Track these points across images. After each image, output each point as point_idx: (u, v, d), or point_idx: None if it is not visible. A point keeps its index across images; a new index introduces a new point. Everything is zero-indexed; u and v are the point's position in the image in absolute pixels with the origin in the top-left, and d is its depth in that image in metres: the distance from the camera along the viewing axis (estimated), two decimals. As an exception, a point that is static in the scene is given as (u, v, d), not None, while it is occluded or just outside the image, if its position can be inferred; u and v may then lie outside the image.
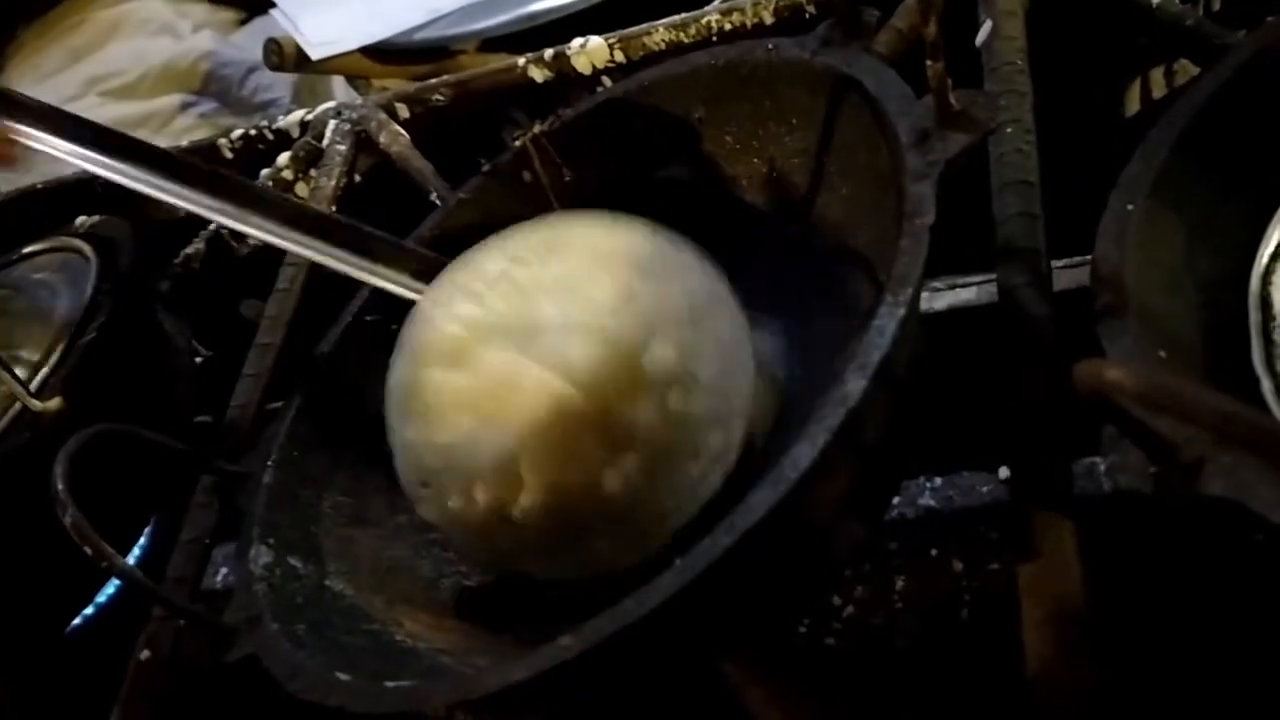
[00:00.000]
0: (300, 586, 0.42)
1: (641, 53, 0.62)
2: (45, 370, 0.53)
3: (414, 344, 0.43)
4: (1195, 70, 0.52)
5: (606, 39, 0.63)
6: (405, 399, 0.42)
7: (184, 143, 0.76)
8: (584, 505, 0.38)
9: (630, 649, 0.31)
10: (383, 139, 0.66)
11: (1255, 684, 0.40)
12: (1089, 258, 0.37)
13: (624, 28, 0.63)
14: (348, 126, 0.68)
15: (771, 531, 0.30)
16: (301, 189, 0.68)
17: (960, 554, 0.50)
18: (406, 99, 0.68)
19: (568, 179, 0.52)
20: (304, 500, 0.46)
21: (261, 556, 0.42)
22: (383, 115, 0.67)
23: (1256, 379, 0.35)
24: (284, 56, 0.78)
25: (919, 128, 0.36)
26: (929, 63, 0.35)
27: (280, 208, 0.49)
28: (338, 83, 0.95)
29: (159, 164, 0.49)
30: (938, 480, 0.53)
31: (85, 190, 0.73)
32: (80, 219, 0.62)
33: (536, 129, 0.52)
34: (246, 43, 1.08)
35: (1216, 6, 0.54)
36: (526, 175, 0.52)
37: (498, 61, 0.69)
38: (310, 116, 0.70)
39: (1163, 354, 0.33)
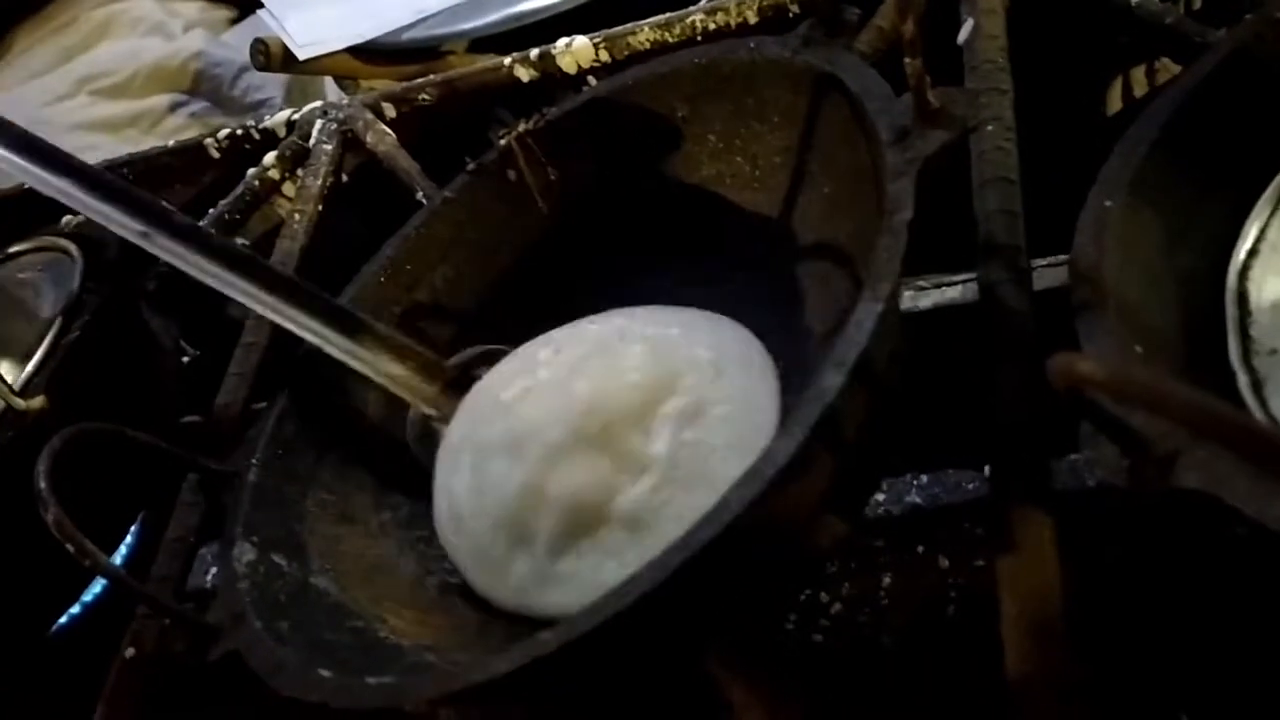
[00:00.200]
0: (284, 584, 0.42)
1: (626, 52, 0.62)
2: (29, 369, 0.52)
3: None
4: (1176, 69, 0.52)
5: (592, 39, 0.63)
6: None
7: (172, 142, 0.76)
8: (599, 524, 0.40)
9: (610, 643, 0.31)
10: (369, 138, 0.66)
11: (1236, 677, 0.41)
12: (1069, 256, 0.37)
13: (610, 28, 0.63)
14: (334, 126, 0.68)
15: (750, 526, 0.30)
16: (288, 188, 0.68)
17: (946, 551, 0.50)
18: (393, 98, 0.68)
19: (552, 178, 0.52)
20: (288, 498, 0.46)
21: (245, 554, 0.43)
22: (369, 115, 0.68)
23: (1233, 373, 0.35)
24: (271, 57, 0.78)
25: (898, 125, 0.37)
26: (907, 60, 0.35)
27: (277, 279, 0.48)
28: (329, 83, 0.95)
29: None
30: (924, 478, 0.53)
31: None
32: (66, 218, 0.62)
33: (521, 128, 0.52)
34: (237, 42, 1.08)
35: (1197, 5, 0.54)
36: (511, 174, 0.52)
37: (484, 61, 0.69)
38: (297, 116, 0.70)
39: (1139, 349, 0.33)
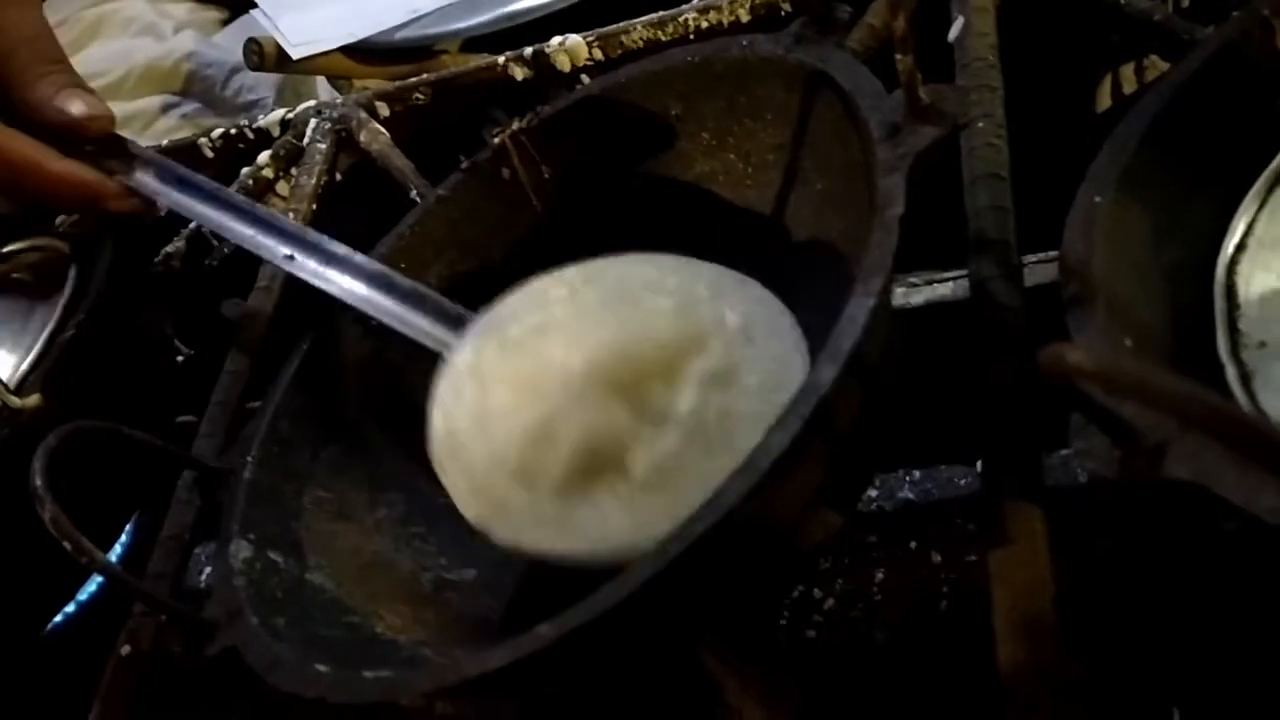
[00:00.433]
0: (280, 580, 0.43)
1: (620, 50, 0.62)
2: (24, 367, 0.53)
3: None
4: (1165, 66, 0.53)
5: (585, 37, 0.63)
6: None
7: (165, 143, 0.76)
8: (611, 471, 0.38)
9: (606, 636, 0.32)
10: (363, 137, 0.66)
11: (1228, 671, 0.41)
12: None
13: (604, 26, 0.63)
14: (328, 125, 0.68)
15: (745, 518, 0.30)
16: (282, 187, 0.69)
17: (939, 546, 0.50)
18: (387, 97, 0.69)
19: (546, 176, 0.53)
20: (285, 495, 0.46)
21: (241, 551, 0.43)
22: (363, 114, 0.68)
23: (1221, 367, 0.36)
24: (264, 56, 0.78)
25: (890, 122, 0.37)
26: (899, 57, 0.36)
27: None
28: (322, 83, 0.95)
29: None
30: (916, 474, 0.53)
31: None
32: (60, 218, 0.62)
33: (515, 126, 0.52)
34: (229, 43, 1.08)
35: (1185, 2, 0.54)
36: (505, 172, 0.53)
37: (478, 60, 0.70)
38: (291, 115, 0.70)
39: (1129, 342, 0.34)
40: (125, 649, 0.47)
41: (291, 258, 0.51)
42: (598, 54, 0.63)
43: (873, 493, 0.53)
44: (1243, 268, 0.38)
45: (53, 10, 1.17)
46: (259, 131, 0.72)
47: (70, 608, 0.59)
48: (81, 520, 0.39)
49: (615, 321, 0.41)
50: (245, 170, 0.69)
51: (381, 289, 0.49)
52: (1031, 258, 0.46)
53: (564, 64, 0.64)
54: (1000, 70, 0.47)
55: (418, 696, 0.34)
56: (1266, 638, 0.40)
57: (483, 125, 0.65)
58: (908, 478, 0.53)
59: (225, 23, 1.15)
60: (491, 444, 0.40)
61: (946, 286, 0.54)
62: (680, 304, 0.41)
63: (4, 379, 0.51)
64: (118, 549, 0.59)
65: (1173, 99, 0.39)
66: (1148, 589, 0.43)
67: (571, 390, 0.39)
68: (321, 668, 0.36)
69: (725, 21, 0.60)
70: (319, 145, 0.67)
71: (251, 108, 1.01)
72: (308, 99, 0.75)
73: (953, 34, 0.49)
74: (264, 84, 1.02)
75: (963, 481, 0.52)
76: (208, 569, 0.59)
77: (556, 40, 0.64)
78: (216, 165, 0.72)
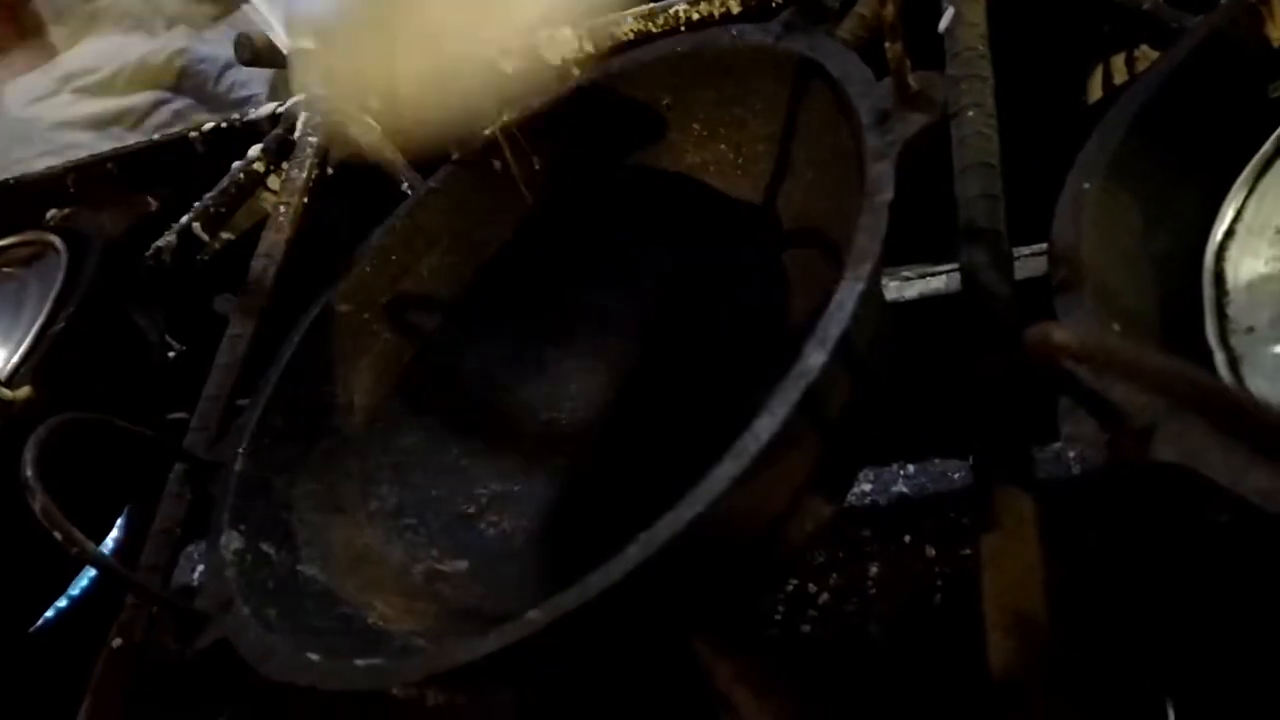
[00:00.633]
0: (272, 572, 0.42)
1: (610, 43, 0.62)
2: (15, 359, 0.53)
3: None
4: (1156, 56, 0.52)
5: (575, 29, 0.63)
6: None
7: (156, 138, 0.76)
8: None
9: (596, 622, 0.32)
10: (354, 130, 0.66)
11: (1220, 660, 0.41)
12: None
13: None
14: (319, 118, 0.68)
15: (734, 504, 0.30)
16: (274, 181, 0.68)
17: (933, 540, 0.50)
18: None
19: (537, 167, 0.52)
20: (276, 487, 0.46)
21: (233, 542, 0.43)
22: (354, 107, 0.67)
23: (1210, 351, 0.36)
24: (257, 52, 0.78)
25: (879, 109, 0.37)
26: (888, 45, 0.36)
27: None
28: (313, 79, 0.95)
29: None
30: (910, 467, 0.53)
31: (57, 184, 0.73)
32: (52, 212, 0.62)
33: (506, 118, 0.52)
34: (221, 39, 1.08)
35: (1175, -8, 0.54)
36: (496, 164, 0.53)
37: (469, 54, 0.69)
38: (282, 109, 0.70)
39: (1117, 327, 0.34)
40: (117, 642, 0.47)
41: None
42: (588, 46, 0.63)
43: (867, 486, 0.53)
44: (1231, 254, 0.38)
45: (48, 6, 1.17)
46: (250, 125, 0.71)
47: (63, 602, 0.59)
48: (73, 513, 0.39)
49: None
50: (236, 164, 0.69)
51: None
52: (1024, 250, 0.46)
53: (555, 56, 0.64)
54: (990, 60, 0.47)
55: (410, 685, 0.34)
56: (1258, 627, 0.40)
57: (474, 118, 0.65)
58: (902, 471, 0.53)
59: (217, 19, 1.15)
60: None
61: (940, 280, 0.54)
62: None
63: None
64: (110, 543, 0.59)
65: (1161, 87, 0.39)
66: (1141, 580, 0.44)
67: None
68: (314, 657, 0.36)
69: (716, 13, 0.60)
70: (310, 139, 0.67)
71: (244, 103, 1.01)
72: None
73: (943, 24, 0.49)
74: (256, 79, 1.02)
75: (957, 475, 0.52)
76: (201, 566, 0.59)
77: (546, 32, 0.64)
78: (208, 159, 0.72)
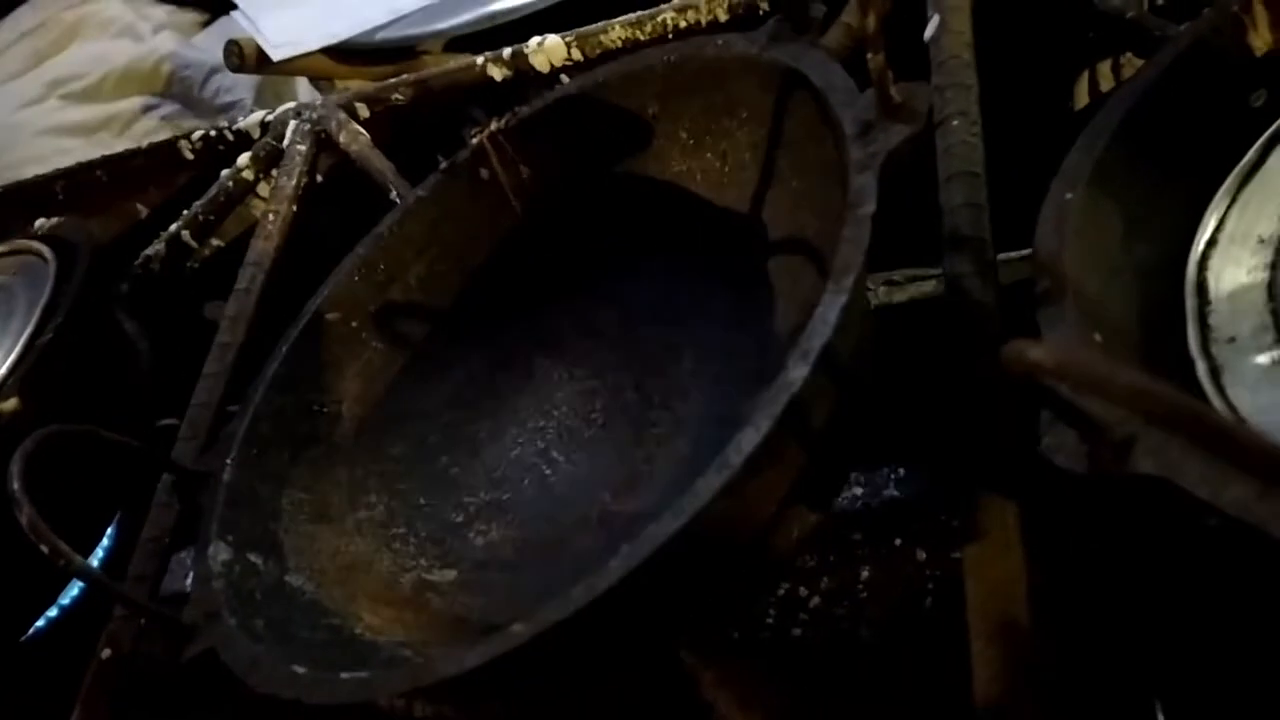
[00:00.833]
0: (259, 582, 0.43)
1: (598, 50, 0.62)
2: (2, 370, 0.52)
3: None
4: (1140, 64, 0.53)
5: (564, 37, 0.63)
6: None
7: (145, 144, 0.76)
8: None
9: (581, 634, 0.32)
10: (343, 138, 0.66)
11: (1210, 664, 0.41)
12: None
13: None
14: (308, 126, 0.68)
15: (719, 515, 0.31)
16: (263, 189, 0.68)
17: (923, 543, 0.50)
18: (366, 98, 0.69)
19: (525, 176, 0.53)
20: (263, 497, 0.46)
21: (220, 553, 0.43)
22: (343, 115, 0.68)
23: (1192, 362, 0.36)
24: (245, 57, 0.78)
25: (861, 120, 0.37)
26: (870, 56, 0.36)
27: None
28: (301, 84, 0.95)
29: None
30: (901, 470, 0.53)
31: (44, 193, 0.73)
32: (39, 221, 0.62)
33: (494, 126, 0.52)
34: (208, 44, 1.07)
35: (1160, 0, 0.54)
36: (484, 172, 0.53)
37: (457, 60, 0.69)
38: (271, 117, 0.70)
39: (1099, 337, 0.34)
40: (106, 652, 0.47)
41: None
42: (576, 54, 0.63)
43: (857, 490, 0.53)
44: (1214, 263, 0.38)
45: (33, 11, 1.17)
46: (239, 133, 0.71)
47: (53, 612, 0.59)
48: (62, 525, 0.39)
49: None
50: (225, 172, 0.69)
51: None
52: (1008, 255, 0.46)
53: (543, 64, 0.64)
54: (975, 68, 0.48)
55: (395, 697, 0.34)
56: (1246, 629, 0.40)
57: (462, 126, 0.65)
58: (892, 475, 0.53)
59: (204, 24, 1.15)
60: None
61: (929, 284, 0.54)
62: None
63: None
64: (99, 554, 0.59)
65: (1145, 95, 0.40)
66: (1127, 584, 0.44)
67: None
68: (299, 669, 0.36)
69: (703, 21, 0.60)
70: (299, 146, 0.67)
71: (230, 109, 1.01)
72: (287, 100, 0.75)
73: (929, 32, 0.49)
74: (242, 85, 1.01)
75: (948, 479, 0.52)
76: (190, 574, 0.59)
77: (535, 40, 0.64)
78: (196, 167, 0.72)
